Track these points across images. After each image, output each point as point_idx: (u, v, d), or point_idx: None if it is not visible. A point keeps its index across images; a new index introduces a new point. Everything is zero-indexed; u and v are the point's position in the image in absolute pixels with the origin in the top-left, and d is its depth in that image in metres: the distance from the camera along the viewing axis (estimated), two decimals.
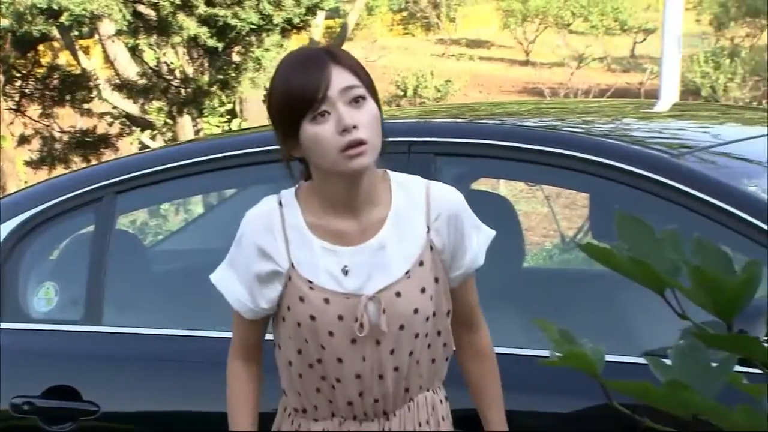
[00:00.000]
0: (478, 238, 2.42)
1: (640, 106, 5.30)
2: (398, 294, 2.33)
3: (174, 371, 3.21)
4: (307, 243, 2.36)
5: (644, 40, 27.73)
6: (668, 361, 1.16)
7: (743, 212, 2.77)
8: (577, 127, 3.57)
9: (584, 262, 4.79)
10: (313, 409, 2.41)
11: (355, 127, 2.25)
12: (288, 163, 2.38)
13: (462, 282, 2.44)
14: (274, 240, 2.36)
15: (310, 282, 2.34)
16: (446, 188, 2.43)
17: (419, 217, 2.37)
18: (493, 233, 2.45)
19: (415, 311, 2.34)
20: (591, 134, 3.36)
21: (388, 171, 2.41)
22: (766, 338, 1.12)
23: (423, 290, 2.35)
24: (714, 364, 1.14)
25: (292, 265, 2.35)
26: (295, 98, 2.27)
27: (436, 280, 2.37)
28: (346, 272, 2.34)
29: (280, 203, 2.38)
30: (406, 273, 2.34)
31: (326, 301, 2.33)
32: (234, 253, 2.42)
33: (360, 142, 2.25)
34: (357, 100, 2.27)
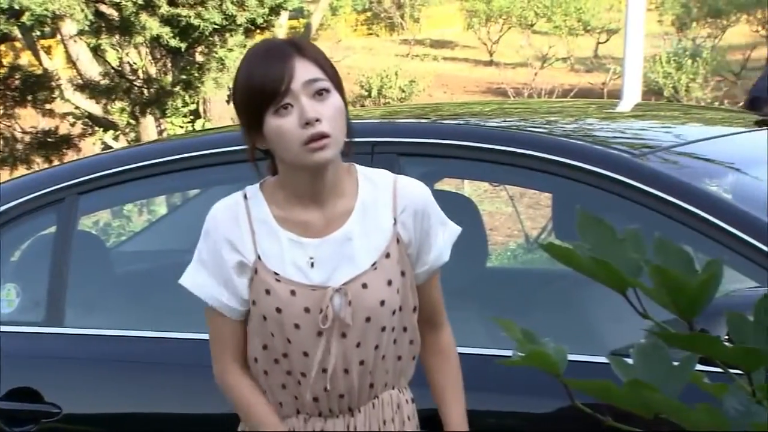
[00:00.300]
0: (444, 234, 2.43)
1: (603, 106, 5.33)
2: (364, 285, 2.33)
3: (136, 373, 3.19)
4: (273, 235, 2.35)
5: (607, 40, 27.84)
6: (630, 361, 1.16)
7: (705, 212, 2.78)
8: (540, 128, 3.58)
9: (548, 261, 4.80)
10: (279, 407, 2.40)
11: (317, 120, 2.25)
12: (253, 156, 2.37)
13: (427, 279, 2.44)
14: (240, 232, 2.35)
15: (276, 274, 2.34)
16: (413, 182, 2.44)
17: (386, 210, 2.38)
18: (458, 230, 2.46)
19: (382, 303, 2.34)
20: (554, 134, 3.37)
21: (355, 165, 2.41)
22: (726, 337, 1.12)
23: (389, 282, 2.35)
24: (675, 364, 1.14)
25: (259, 258, 2.34)
26: (258, 90, 2.27)
27: (402, 273, 2.37)
28: (312, 264, 2.34)
29: (245, 196, 2.38)
30: (373, 265, 2.35)
31: (292, 293, 2.32)
32: (202, 250, 2.39)
33: (322, 135, 2.25)
34: (321, 93, 2.27)
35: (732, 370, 1.11)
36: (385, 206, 2.38)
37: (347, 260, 2.34)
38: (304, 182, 2.33)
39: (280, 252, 2.35)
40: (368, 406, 2.39)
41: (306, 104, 2.25)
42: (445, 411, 2.48)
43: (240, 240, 2.35)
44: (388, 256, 2.36)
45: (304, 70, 2.27)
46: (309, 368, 2.34)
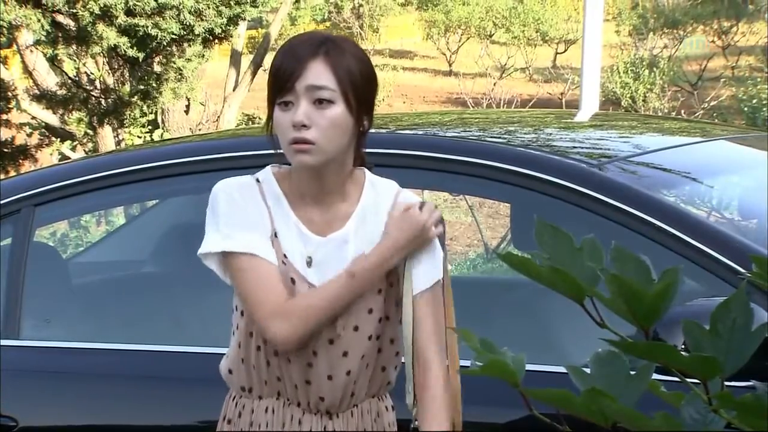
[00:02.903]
0: (434, 253, 2.40)
1: (561, 116, 5.35)
2: None
3: (93, 385, 3.17)
4: (286, 217, 2.35)
5: (565, 50, 27.97)
6: (588, 370, 1.16)
7: (662, 222, 2.80)
8: (499, 138, 3.59)
9: (508, 271, 4.82)
10: (262, 385, 2.38)
11: (304, 126, 2.25)
12: (269, 129, 2.34)
13: (423, 290, 2.37)
14: (257, 207, 2.34)
15: (285, 256, 2.33)
16: (415, 198, 2.43)
17: (383, 218, 2.38)
18: (441, 253, 2.43)
19: (369, 311, 2.35)
20: (513, 145, 3.38)
21: (366, 170, 2.41)
22: (683, 346, 1.13)
23: (379, 291, 2.36)
24: (633, 372, 1.14)
25: (275, 234, 2.34)
26: (272, 79, 2.30)
27: (390, 284, 2.38)
28: (309, 263, 2.34)
29: (258, 180, 2.38)
30: None
31: (293, 281, 2.32)
32: (223, 213, 2.32)
33: (305, 141, 2.26)
34: (321, 102, 2.27)
35: (688, 379, 1.11)
36: (383, 215, 2.39)
37: (342, 264, 2.34)
38: (304, 179, 2.34)
39: (290, 236, 2.34)
40: (347, 413, 2.39)
41: (302, 108, 2.26)
42: (424, 418, 2.43)
43: (257, 214, 2.33)
44: None
45: (315, 75, 2.27)
46: (295, 356, 2.34)
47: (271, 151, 2.37)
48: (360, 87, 2.31)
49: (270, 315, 2.28)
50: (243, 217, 2.32)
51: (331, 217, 2.36)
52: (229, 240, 2.32)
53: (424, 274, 2.37)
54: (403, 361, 2.42)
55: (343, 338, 2.33)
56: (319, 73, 2.28)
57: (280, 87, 2.28)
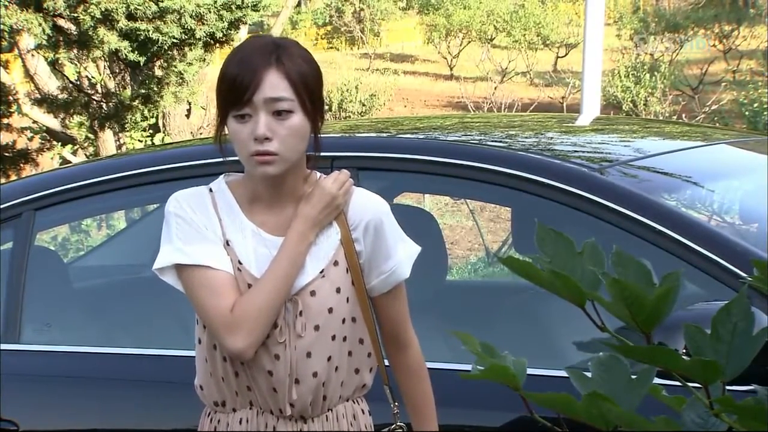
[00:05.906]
0: (403, 249, 2.41)
1: (563, 120, 5.35)
2: (313, 293, 2.33)
3: (93, 389, 3.17)
4: (239, 224, 2.35)
5: (566, 54, 27.98)
6: (589, 374, 1.16)
7: (663, 226, 2.80)
8: (500, 142, 3.59)
9: (509, 275, 4.82)
10: (234, 397, 2.37)
11: (268, 138, 2.25)
12: (218, 139, 2.36)
13: (385, 292, 2.42)
14: (207, 218, 2.35)
15: (240, 263, 2.33)
16: (370, 195, 2.43)
17: (338, 219, 2.37)
18: (418, 249, 2.44)
19: (330, 311, 2.34)
20: (514, 149, 3.38)
21: (317, 173, 2.41)
22: (684, 350, 1.13)
23: (338, 290, 2.35)
24: (634, 377, 1.14)
25: (227, 243, 2.34)
26: (225, 91, 2.29)
27: (353, 283, 2.37)
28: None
29: (210, 189, 2.38)
30: (321, 272, 2.35)
31: (249, 287, 2.32)
32: (174, 226, 2.33)
33: (268, 153, 2.25)
34: (280, 113, 2.27)
35: (689, 383, 1.11)
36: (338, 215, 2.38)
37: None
38: (260, 185, 2.35)
39: (244, 243, 2.34)
40: (322, 417, 2.38)
41: (262, 120, 2.25)
42: (416, 427, 2.47)
43: (208, 225, 2.34)
44: (336, 264, 2.36)
45: (271, 86, 2.26)
46: (256, 364, 2.33)
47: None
48: (313, 90, 2.32)
49: (222, 328, 2.29)
50: (193, 229, 2.33)
51: (286, 218, 2.36)
52: (180, 253, 2.33)
53: (387, 277, 2.39)
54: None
55: (305, 338, 2.32)
56: (275, 84, 2.26)
57: (237, 100, 2.26)
